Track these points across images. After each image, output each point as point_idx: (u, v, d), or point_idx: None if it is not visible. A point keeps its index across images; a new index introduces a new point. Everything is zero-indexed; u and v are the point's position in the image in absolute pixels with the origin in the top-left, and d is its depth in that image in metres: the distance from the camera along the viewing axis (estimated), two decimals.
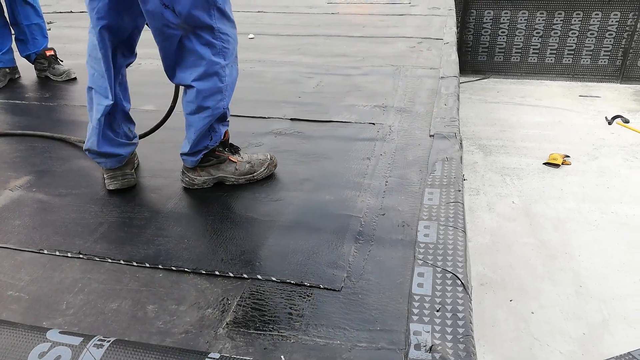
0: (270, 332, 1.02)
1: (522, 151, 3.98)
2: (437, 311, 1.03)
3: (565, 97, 5.10)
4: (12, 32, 2.75)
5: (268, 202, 1.51)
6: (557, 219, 3.13)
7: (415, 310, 1.04)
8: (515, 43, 5.32)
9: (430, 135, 1.87)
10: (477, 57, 5.58)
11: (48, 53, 2.84)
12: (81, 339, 0.97)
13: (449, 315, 1.02)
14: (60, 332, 0.99)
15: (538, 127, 4.39)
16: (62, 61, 2.87)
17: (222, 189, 1.59)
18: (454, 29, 3.58)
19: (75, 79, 2.78)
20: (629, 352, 1.97)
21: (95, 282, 1.20)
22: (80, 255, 1.29)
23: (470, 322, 1.00)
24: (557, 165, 3.66)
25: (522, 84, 5.54)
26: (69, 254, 1.30)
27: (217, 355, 0.93)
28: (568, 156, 3.78)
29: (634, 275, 2.67)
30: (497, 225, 3.15)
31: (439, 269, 1.15)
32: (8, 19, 2.70)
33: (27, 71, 2.83)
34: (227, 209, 1.49)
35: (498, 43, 5.38)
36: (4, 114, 2.31)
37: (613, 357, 1.91)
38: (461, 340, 0.96)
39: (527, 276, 2.75)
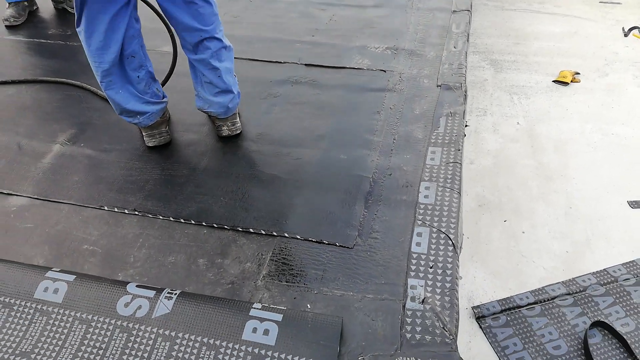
0: (297, 284, 1.31)
1: (533, 67, 4.00)
2: (431, 268, 1.30)
3: (584, 4, 4.92)
4: None
5: (289, 160, 1.72)
6: (558, 140, 3.29)
7: (413, 267, 1.31)
8: None
9: (437, 85, 2.00)
10: None
11: None
12: (154, 291, 1.26)
13: (439, 272, 1.29)
14: (137, 286, 1.28)
15: (553, 39, 4.33)
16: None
17: (247, 147, 1.79)
18: None
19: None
20: (604, 269, 2.29)
21: (152, 237, 1.47)
22: (136, 212, 1.55)
23: (456, 278, 1.27)
24: (566, 84, 3.72)
25: None
26: (126, 211, 1.56)
27: (259, 306, 1.23)
28: (578, 73, 3.81)
29: (622, 196, 2.90)
30: (501, 147, 3.33)
31: (434, 230, 1.40)
32: None
33: (43, 3, 2.88)
34: (254, 167, 1.70)
35: None
36: (31, 55, 2.43)
37: (590, 273, 2.24)
38: (447, 293, 1.23)
39: (523, 197, 2.99)
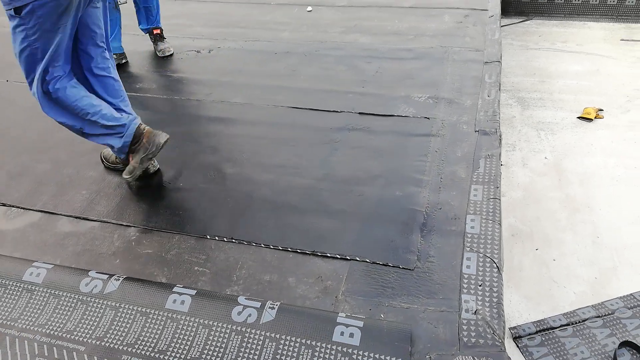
0: (370, 299, 1.63)
1: (558, 104, 4.30)
2: (480, 286, 1.60)
3: (606, 42, 5.22)
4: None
5: (353, 196, 2.06)
6: (584, 174, 3.55)
7: (465, 285, 1.62)
8: None
9: (475, 131, 2.34)
10: None
11: (155, 31, 3.37)
12: (259, 303, 1.60)
13: (487, 289, 1.59)
14: (246, 298, 1.63)
15: (576, 77, 4.63)
16: (165, 38, 3.40)
17: (316, 185, 2.14)
18: None
19: (172, 55, 3.39)
20: (631, 294, 2.54)
21: (249, 260, 1.82)
22: (233, 240, 1.91)
23: (501, 294, 1.57)
24: (590, 120, 4.00)
25: (565, 26, 5.63)
26: (225, 239, 1.92)
27: (344, 315, 1.55)
28: (601, 110, 4.08)
29: None
30: (530, 180, 3.60)
31: (481, 255, 1.70)
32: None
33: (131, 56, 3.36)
34: (324, 203, 2.05)
35: None
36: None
37: (618, 297, 2.49)
38: (495, 306, 1.53)
39: (552, 228, 3.25)
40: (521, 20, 5.71)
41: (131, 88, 3.01)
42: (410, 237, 1.84)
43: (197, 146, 2.47)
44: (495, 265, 1.67)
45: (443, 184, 2.07)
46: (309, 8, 3.95)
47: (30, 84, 1.96)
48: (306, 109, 2.68)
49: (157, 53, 3.45)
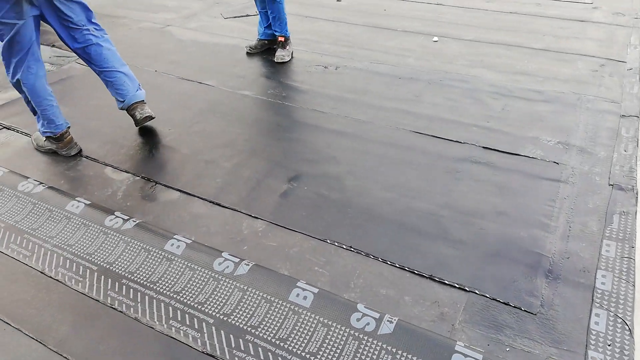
0: (489, 334, 1.61)
1: None
2: (609, 346, 1.53)
3: None
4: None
5: (475, 229, 2.06)
6: None
7: (592, 342, 1.55)
8: None
9: (609, 184, 2.24)
10: None
11: (280, 39, 3.63)
12: (378, 314, 1.65)
13: (617, 350, 1.52)
14: (364, 307, 1.68)
15: None
16: (286, 47, 3.65)
17: (436, 212, 2.17)
18: None
19: (289, 61, 3.66)
20: None
21: (366, 271, 1.88)
22: (352, 249, 1.98)
23: (632, 358, 1.48)
24: None
25: None
26: (344, 246, 2.00)
27: (462, 344, 1.55)
28: None
29: None
30: None
31: (611, 314, 1.63)
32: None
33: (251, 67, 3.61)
34: (445, 231, 2.07)
35: None
36: (259, 110, 3.08)
37: None
38: None
39: None
40: None
41: (263, 93, 3.23)
42: (534, 281, 1.80)
43: (319, 155, 2.59)
44: (627, 327, 1.58)
45: (572, 234, 2.00)
46: (435, 38, 4.00)
47: None
48: (429, 135, 2.71)
49: (275, 59, 3.67)
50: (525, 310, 1.69)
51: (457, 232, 2.06)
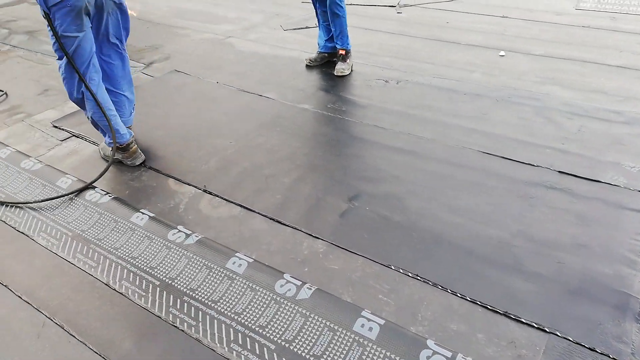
0: None
1: None
2: None
3: None
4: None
5: (551, 262, 1.91)
6: None
7: None
8: None
9: None
10: None
11: (341, 52, 3.59)
12: (450, 353, 1.54)
13: None
14: (435, 343, 1.58)
15: None
16: (346, 60, 3.63)
17: (508, 240, 2.03)
18: None
19: (349, 74, 3.62)
20: None
21: (434, 303, 1.77)
22: (418, 277, 1.88)
23: None
24: None
25: None
26: (409, 274, 1.90)
27: None
28: None
29: None
30: None
31: None
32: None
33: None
34: (518, 261, 1.93)
35: None
36: (318, 124, 3.04)
37: None
38: None
39: None
40: None
41: (323, 107, 3.19)
42: (622, 325, 1.63)
43: (381, 173, 2.50)
44: None
45: None
46: (502, 53, 3.83)
47: None
48: (498, 156, 2.57)
49: (335, 72, 3.62)
50: (613, 358, 1.53)
51: (533, 264, 1.91)
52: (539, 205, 2.22)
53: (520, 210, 2.20)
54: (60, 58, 2.31)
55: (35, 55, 4.34)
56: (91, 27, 2.34)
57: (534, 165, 2.48)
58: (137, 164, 2.63)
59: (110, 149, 2.61)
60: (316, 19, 3.78)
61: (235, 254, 1.96)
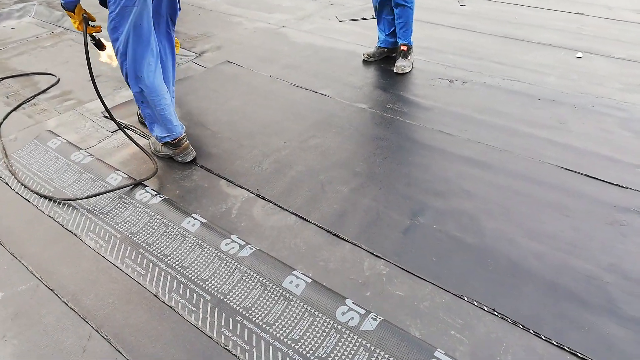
0: None
1: None
2: None
3: None
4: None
5: None
6: None
7: None
8: None
9: None
10: None
11: (402, 47, 3.37)
12: None
13: None
14: None
15: None
16: (408, 57, 3.41)
17: (600, 276, 1.79)
18: None
19: (409, 72, 3.40)
20: None
21: (516, 344, 1.56)
22: (495, 312, 1.67)
23: None
24: None
25: None
26: (485, 307, 1.69)
27: None
28: None
29: None
30: None
31: None
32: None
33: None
34: (614, 304, 1.69)
35: None
36: (376, 126, 2.84)
37: None
38: None
39: None
40: None
41: (382, 107, 2.98)
42: None
43: (449, 186, 2.29)
44: None
45: None
46: (579, 54, 3.50)
47: None
48: (580, 173, 2.30)
49: (394, 69, 3.40)
50: None
51: (629, 307, 1.67)
52: (631, 234, 1.95)
53: (611, 239, 1.94)
54: (115, 39, 2.19)
55: None
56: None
57: (623, 187, 2.21)
58: (188, 160, 2.51)
59: (162, 144, 2.50)
60: (374, 11, 3.55)
61: (292, 272, 1.80)
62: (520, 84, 3.16)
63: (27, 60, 3.90)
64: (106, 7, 2.15)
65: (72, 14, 2.17)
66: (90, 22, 2.22)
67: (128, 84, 2.31)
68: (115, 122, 2.37)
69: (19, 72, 3.67)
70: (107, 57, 2.49)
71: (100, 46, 2.43)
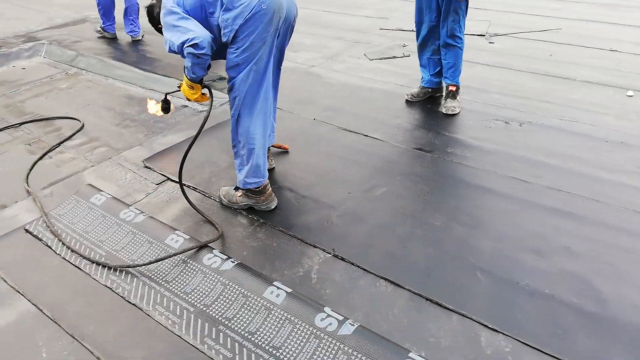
0: None
1: None
2: None
3: None
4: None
5: None
6: None
7: None
8: None
9: None
10: None
11: (451, 88, 3.25)
12: None
13: None
14: None
15: None
16: (457, 97, 3.28)
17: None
18: None
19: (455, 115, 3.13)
20: None
21: None
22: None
23: None
24: None
25: None
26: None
27: None
28: None
29: None
30: None
31: None
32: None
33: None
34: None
35: None
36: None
37: None
38: None
39: None
40: None
41: (442, 152, 2.80)
42: None
43: (547, 242, 2.08)
44: None
45: None
46: (630, 92, 3.41)
47: None
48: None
49: (443, 109, 3.26)
50: None
51: None
52: None
53: None
54: (232, 78, 2.06)
55: (105, 80, 4.10)
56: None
57: None
58: (272, 207, 2.32)
59: (239, 194, 2.28)
60: (417, 51, 3.42)
61: (409, 355, 1.55)
62: (580, 125, 3.03)
63: (44, 103, 3.66)
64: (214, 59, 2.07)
65: (198, 85, 2.08)
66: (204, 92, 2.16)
67: (237, 126, 2.16)
68: (188, 199, 2.24)
69: (38, 116, 3.42)
70: (156, 111, 2.28)
71: (169, 110, 2.30)
